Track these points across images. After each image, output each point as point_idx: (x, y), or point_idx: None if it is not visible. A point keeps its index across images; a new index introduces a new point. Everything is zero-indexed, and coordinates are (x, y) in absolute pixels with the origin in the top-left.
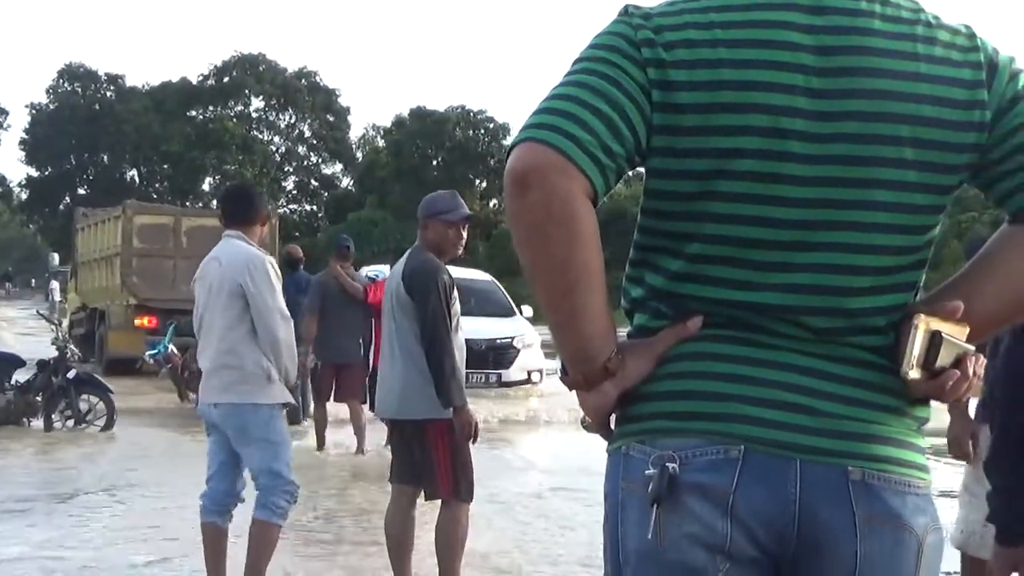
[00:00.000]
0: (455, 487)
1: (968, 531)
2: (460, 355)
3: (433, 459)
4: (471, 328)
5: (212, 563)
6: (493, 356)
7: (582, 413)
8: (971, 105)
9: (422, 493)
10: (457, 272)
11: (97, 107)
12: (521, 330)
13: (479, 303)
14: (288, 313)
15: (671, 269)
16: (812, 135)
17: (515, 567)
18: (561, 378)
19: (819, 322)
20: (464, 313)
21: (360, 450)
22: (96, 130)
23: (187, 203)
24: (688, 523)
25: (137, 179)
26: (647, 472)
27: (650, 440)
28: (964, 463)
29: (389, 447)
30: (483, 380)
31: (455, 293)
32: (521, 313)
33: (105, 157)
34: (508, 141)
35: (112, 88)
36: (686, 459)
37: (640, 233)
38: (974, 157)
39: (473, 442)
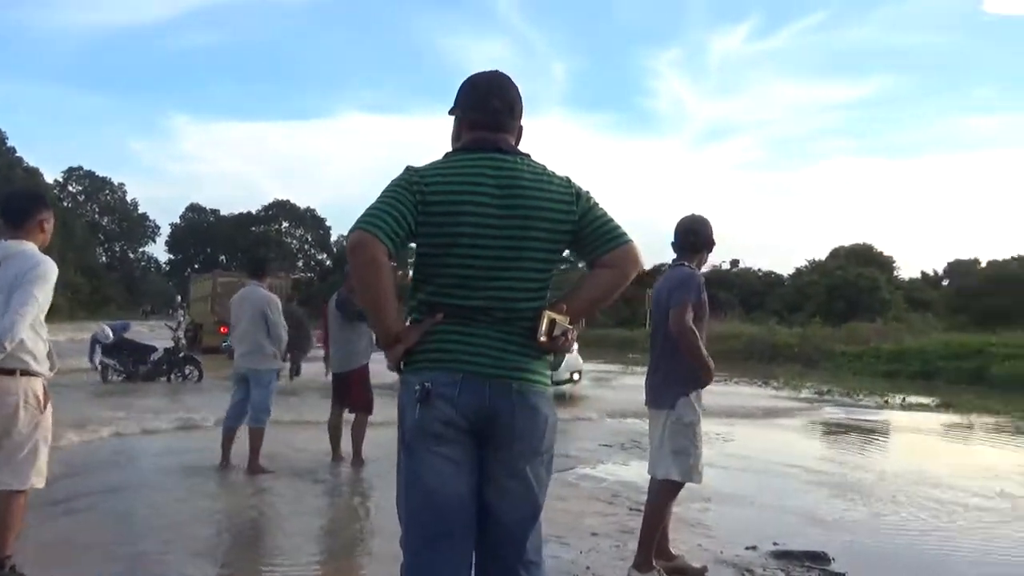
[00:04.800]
0: (367, 405)
1: None
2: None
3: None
4: None
5: (226, 447)
6: None
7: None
8: (569, 211)
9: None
10: None
11: (205, 226)
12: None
13: None
14: (285, 324)
15: (429, 289)
16: (496, 226)
17: None
18: (377, 343)
19: (500, 315)
20: None
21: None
22: (204, 240)
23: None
24: (435, 412)
25: (225, 260)
26: (416, 388)
27: (418, 372)
28: None
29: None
30: None
31: None
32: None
33: (209, 249)
34: None
35: (213, 218)
36: (435, 381)
37: (415, 271)
38: (571, 236)
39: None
